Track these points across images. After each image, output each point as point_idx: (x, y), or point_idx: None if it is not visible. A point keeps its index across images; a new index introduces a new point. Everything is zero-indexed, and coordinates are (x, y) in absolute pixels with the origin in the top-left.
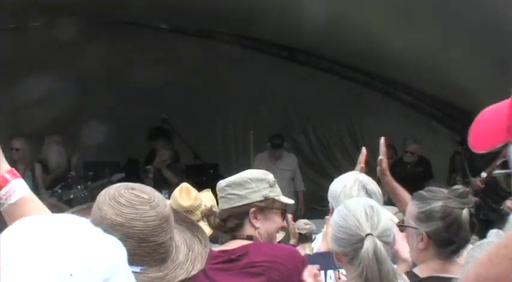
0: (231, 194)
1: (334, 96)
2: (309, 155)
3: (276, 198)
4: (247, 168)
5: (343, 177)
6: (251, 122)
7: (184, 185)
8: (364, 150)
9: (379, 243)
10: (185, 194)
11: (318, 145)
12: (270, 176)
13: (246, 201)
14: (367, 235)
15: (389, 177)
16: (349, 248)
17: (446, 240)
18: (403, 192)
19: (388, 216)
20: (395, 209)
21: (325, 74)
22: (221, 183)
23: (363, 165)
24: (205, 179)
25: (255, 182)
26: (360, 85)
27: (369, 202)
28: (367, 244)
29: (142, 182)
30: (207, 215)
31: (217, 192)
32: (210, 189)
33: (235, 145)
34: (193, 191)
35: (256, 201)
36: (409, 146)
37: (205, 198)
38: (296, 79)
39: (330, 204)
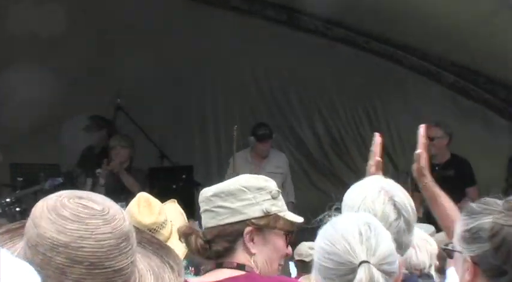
0: (220, 207)
1: (352, 75)
2: (316, 154)
3: (281, 214)
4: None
5: (363, 184)
6: (238, 111)
7: (143, 195)
8: (377, 136)
9: (377, 274)
10: (145, 208)
11: (328, 141)
12: (272, 184)
13: (240, 217)
14: (361, 263)
15: (429, 180)
16: (338, 281)
17: (496, 268)
18: (447, 203)
19: (389, 238)
20: (431, 228)
21: (340, 45)
22: (207, 192)
23: (378, 158)
24: (175, 187)
25: (252, 192)
26: (387, 60)
27: (365, 218)
28: (361, 275)
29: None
30: (186, 234)
31: (201, 204)
32: (175, 200)
33: (216, 142)
34: (155, 203)
35: (254, 218)
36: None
37: (171, 213)
38: (300, 52)
39: None
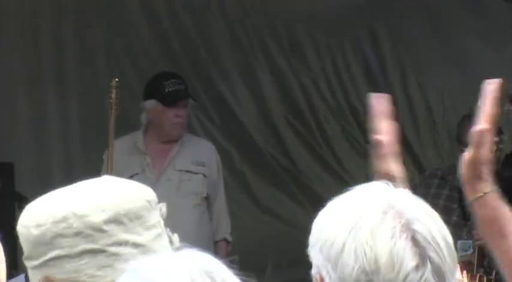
0: (123, 244)
1: None
2: (263, 141)
3: None
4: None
5: (353, 199)
6: (106, 59)
7: None
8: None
9: None
10: None
11: (287, 115)
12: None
13: None
14: None
15: (491, 188)
16: None
17: None
18: None
19: None
20: None
21: None
22: (88, 213)
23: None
24: None
25: (154, 212)
26: None
27: (203, 262)
28: None
29: None
30: None
31: (58, 241)
32: None
33: (63, 115)
34: None
35: None
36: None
37: None
38: None
39: (313, 271)
